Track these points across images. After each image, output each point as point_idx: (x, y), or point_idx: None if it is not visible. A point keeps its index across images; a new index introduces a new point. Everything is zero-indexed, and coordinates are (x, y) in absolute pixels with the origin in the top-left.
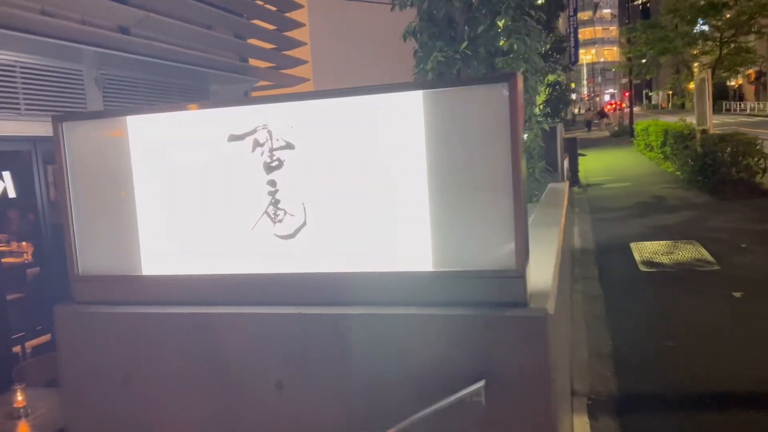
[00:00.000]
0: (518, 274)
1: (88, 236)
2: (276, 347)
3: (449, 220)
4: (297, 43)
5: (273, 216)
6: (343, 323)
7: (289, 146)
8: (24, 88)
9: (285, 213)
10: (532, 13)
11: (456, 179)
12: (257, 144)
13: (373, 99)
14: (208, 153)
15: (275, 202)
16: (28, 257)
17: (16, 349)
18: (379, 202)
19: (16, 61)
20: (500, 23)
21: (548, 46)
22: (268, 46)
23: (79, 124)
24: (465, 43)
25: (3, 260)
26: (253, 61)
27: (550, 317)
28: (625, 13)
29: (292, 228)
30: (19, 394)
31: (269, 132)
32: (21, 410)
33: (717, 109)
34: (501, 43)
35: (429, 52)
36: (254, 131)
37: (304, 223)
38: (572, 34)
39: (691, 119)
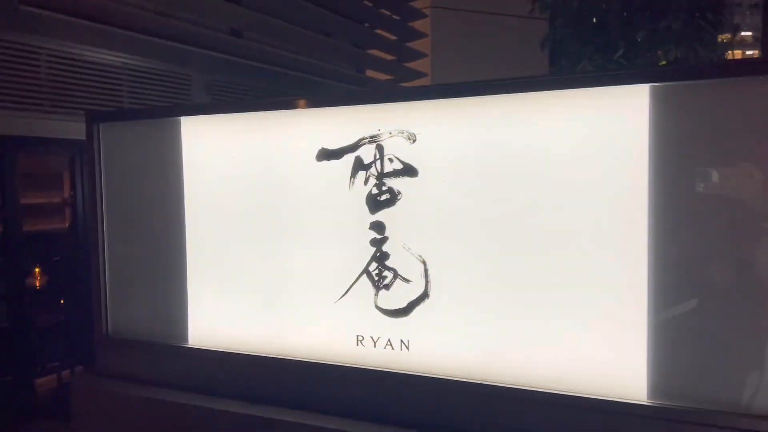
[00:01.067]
0: None
1: (122, 284)
2: None
3: (685, 312)
4: (418, 55)
5: (376, 278)
6: None
7: (408, 171)
8: (129, 92)
9: (395, 275)
10: (709, 15)
11: (702, 235)
12: (360, 165)
13: (552, 99)
14: (288, 176)
15: (381, 257)
16: None
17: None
18: (553, 269)
19: (124, 62)
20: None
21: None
22: (386, 56)
23: (121, 126)
24: (621, 51)
25: None
26: (369, 73)
27: None
28: None
29: (404, 300)
30: None
31: (379, 147)
32: None
33: None
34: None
35: (575, 61)
36: (357, 146)
37: (425, 295)
38: None
39: None
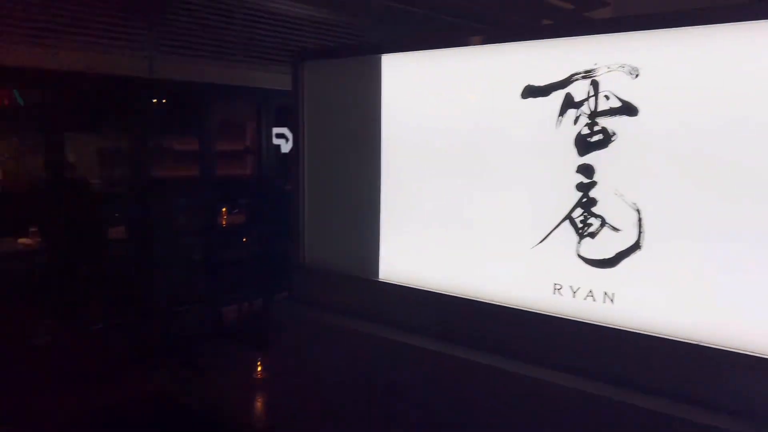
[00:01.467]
0: None
1: (320, 215)
2: None
3: None
4: (598, 3)
5: (580, 225)
6: None
7: (627, 109)
8: (312, 45)
9: (602, 223)
10: None
11: None
12: (570, 103)
13: None
14: (489, 114)
15: (587, 203)
16: None
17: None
18: None
19: (308, 14)
20: None
21: None
22: (565, 5)
23: (323, 66)
24: None
25: None
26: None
27: None
28: None
29: (611, 250)
30: None
31: (594, 83)
32: None
33: None
34: None
35: None
36: (567, 82)
37: (636, 246)
38: None
39: None
